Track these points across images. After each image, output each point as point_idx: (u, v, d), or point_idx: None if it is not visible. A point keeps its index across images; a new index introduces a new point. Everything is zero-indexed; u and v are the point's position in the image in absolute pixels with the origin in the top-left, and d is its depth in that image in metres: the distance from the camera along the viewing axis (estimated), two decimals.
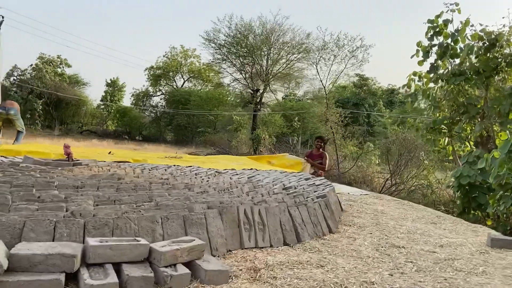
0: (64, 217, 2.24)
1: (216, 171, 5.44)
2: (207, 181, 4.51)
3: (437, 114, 9.01)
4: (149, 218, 2.36)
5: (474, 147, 8.72)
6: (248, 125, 27.20)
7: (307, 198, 3.92)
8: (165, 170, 5.22)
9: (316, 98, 28.00)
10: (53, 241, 2.07)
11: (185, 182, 4.19)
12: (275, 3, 73.13)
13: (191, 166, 5.90)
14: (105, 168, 4.68)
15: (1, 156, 5.42)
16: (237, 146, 23.39)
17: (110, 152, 7.35)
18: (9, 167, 4.14)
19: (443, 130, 8.81)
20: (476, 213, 7.04)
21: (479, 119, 8.28)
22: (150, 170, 5.05)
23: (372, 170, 13.64)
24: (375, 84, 44.06)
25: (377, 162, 14.67)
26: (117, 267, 1.92)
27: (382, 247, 3.26)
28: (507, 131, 8.09)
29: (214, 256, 2.48)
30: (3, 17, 20.99)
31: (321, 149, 7.58)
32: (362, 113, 33.78)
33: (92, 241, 2.01)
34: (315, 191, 4.37)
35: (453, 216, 8.10)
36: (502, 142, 5.55)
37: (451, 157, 9.26)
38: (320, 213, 3.62)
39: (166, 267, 2.01)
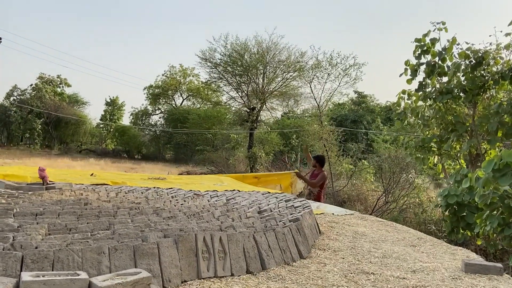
0: (3, 249, 2.16)
1: (194, 193, 5.36)
2: (181, 204, 4.42)
3: (427, 132, 8.95)
4: (95, 249, 2.27)
5: (464, 166, 8.63)
6: (245, 143, 27.18)
7: (279, 222, 3.83)
8: (142, 193, 5.14)
9: (314, 115, 28.03)
10: None
11: (157, 206, 4.11)
12: (271, 22, 74.07)
13: (171, 188, 5.82)
14: (78, 192, 4.61)
15: None
16: (234, 164, 23.31)
17: (92, 174, 7.29)
18: None
19: (432, 148, 8.74)
20: (465, 233, 6.90)
21: (468, 137, 8.22)
22: (126, 194, 4.97)
23: (366, 188, 13.52)
24: (373, 101, 44.21)
25: (372, 180, 14.56)
26: None
27: (351, 273, 3.16)
28: (496, 149, 8.03)
29: None
30: (1, 38, 21.33)
31: (321, 169, 7.58)
32: (357, 130, 33.78)
33: (26, 276, 1.93)
34: (291, 214, 4.28)
35: (444, 235, 7.97)
36: (486, 161, 5.47)
37: (441, 175, 9.16)
38: (290, 238, 3.52)
39: None
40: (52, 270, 2.11)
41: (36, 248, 2.22)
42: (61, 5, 74.40)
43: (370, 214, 8.93)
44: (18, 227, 2.74)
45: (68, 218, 3.16)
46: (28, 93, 42.06)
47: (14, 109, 40.87)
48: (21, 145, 42.58)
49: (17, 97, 42.37)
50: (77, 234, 2.69)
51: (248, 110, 27.71)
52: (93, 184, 5.85)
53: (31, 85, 42.16)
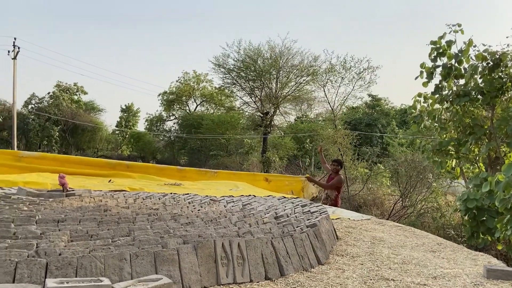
0: (28, 256, 2.21)
1: (210, 199, 5.39)
2: (198, 210, 4.45)
3: (444, 136, 8.83)
4: (117, 256, 2.31)
5: (483, 169, 8.49)
6: (259, 148, 27.20)
7: (296, 227, 3.82)
8: (159, 199, 5.19)
9: (328, 119, 27.93)
10: (13, 282, 2.03)
11: (174, 212, 4.14)
12: (284, 27, 74.18)
13: (187, 194, 5.86)
14: (97, 199, 4.68)
15: None
16: (248, 169, 23.33)
17: (110, 180, 7.39)
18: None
19: (450, 152, 8.61)
20: (485, 238, 6.78)
21: (486, 140, 8.08)
22: (143, 200, 5.03)
23: (382, 193, 13.38)
24: (387, 104, 43.81)
25: (388, 184, 14.40)
26: None
27: (370, 279, 3.14)
28: None
29: None
30: (19, 48, 21.88)
31: (338, 172, 7.61)
32: (372, 134, 33.49)
33: (50, 283, 1.97)
34: (308, 220, 4.26)
35: (463, 240, 7.84)
36: (506, 165, 5.37)
37: (460, 179, 9.02)
38: (308, 244, 3.51)
39: None
40: (76, 277, 2.15)
41: (60, 255, 2.26)
42: (77, 14, 75.84)
43: (387, 219, 8.84)
44: (41, 234, 2.79)
45: (89, 224, 3.21)
46: (45, 101, 42.91)
47: (32, 117, 41.74)
48: (39, 152, 43.38)
49: (35, 105, 43.27)
50: (98, 240, 2.73)
51: (262, 115, 27.75)
52: (111, 191, 5.93)
53: (49, 93, 43.03)
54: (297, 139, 31.65)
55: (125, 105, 48.73)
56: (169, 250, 2.50)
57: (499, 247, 6.76)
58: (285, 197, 6.08)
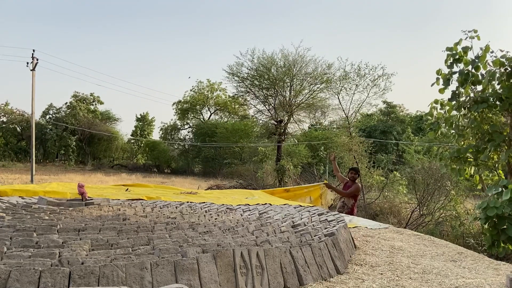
0: (51, 265, 2.25)
1: (227, 208, 5.40)
2: (215, 219, 4.46)
3: (462, 143, 8.69)
4: (138, 265, 2.33)
5: (503, 176, 8.31)
6: (273, 156, 27.16)
7: (314, 236, 3.80)
8: (176, 208, 5.22)
9: (342, 127, 27.81)
10: None
11: (192, 221, 4.16)
12: (297, 35, 74.35)
13: (204, 203, 5.88)
14: (116, 208, 4.73)
15: (19, 196, 5.59)
16: (262, 177, 23.31)
17: (127, 189, 7.47)
18: (21, 209, 4.26)
19: (468, 159, 8.46)
20: (506, 246, 6.62)
21: (506, 147, 7.93)
22: (161, 208, 5.06)
23: (399, 201, 13.20)
24: (402, 111, 43.41)
25: (405, 192, 14.20)
26: None
27: None
28: None
29: None
30: (37, 59, 22.44)
31: (356, 181, 7.60)
32: (387, 141, 33.17)
33: None
34: (325, 228, 4.24)
35: (484, 249, 7.67)
36: None
37: (479, 187, 8.84)
38: (327, 253, 3.49)
39: None
40: (98, 285, 2.17)
41: (83, 263, 2.29)
42: (94, 26, 77.42)
43: (405, 228, 8.71)
44: (62, 243, 2.84)
45: (109, 233, 3.25)
46: (63, 111, 43.77)
47: (50, 126, 42.57)
48: (57, 161, 44.17)
49: (53, 115, 44.16)
50: (118, 249, 2.76)
51: (276, 123, 27.75)
52: (129, 199, 5.99)
53: (66, 103, 43.90)
54: (311, 147, 31.54)
55: (140, 114, 49.43)
56: (189, 259, 2.51)
57: None
58: (301, 206, 6.05)
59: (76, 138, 42.86)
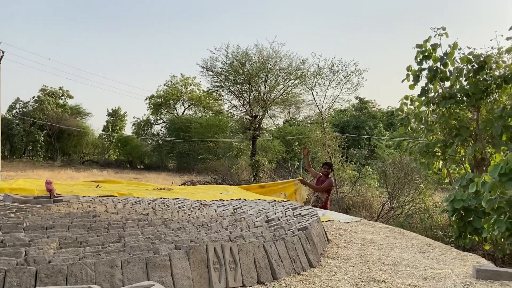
0: (17, 264, 2.17)
1: (201, 203, 5.36)
2: (189, 215, 4.42)
3: (430, 137, 8.93)
4: (108, 262, 2.28)
5: (470, 170, 8.60)
6: (248, 151, 27.18)
7: (288, 230, 3.82)
8: (149, 204, 5.14)
9: (316, 122, 28.09)
10: None
11: (165, 217, 4.11)
12: (271, 31, 74.50)
13: (177, 199, 5.82)
14: (85, 205, 4.62)
15: None
16: (237, 172, 23.29)
17: (98, 186, 7.30)
18: None
19: (437, 153, 8.71)
20: (472, 238, 6.86)
21: (472, 141, 8.20)
22: (133, 205, 4.97)
23: (371, 195, 13.47)
24: (374, 107, 44.26)
25: (376, 185, 14.50)
26: None
27: (362, 281, 3.15)
28: (501, 153, 8.01)
29: None
30: (3, 52, 21.53)
31: (329, 175, 7.69)
32: (360, 136, 33.77)
33: None
34: (299, 222, 4.27)
35: (451, 240, 7.92)
36: (492, 166, 5.46)
37: (447, 180, 9.12)
38: (300, 247, 3.51)
39: None
40: (66, 284, 2.11)
41: (50, 262, 2.22)
42: (62, 18, 75.03)
43: (376, 221, 8.90)
44: (29, 241, 2.75)
45: (78, 231, 3.17)
46: (30, 105, 42.35)
47: (17, 121, 41.10)
48: (24, 158, 42.73)
49: (20, 109, 42.65)
50: (88, 247, 2.69)
51: (250, 118, 27.75)
52: (99, 196, 5.86)
53: (34, 97, 42.47)
54: (286, 142, 31.73)
55: (112, 109, 48.41)
56: (160, 256, 2.48)
57: (486, 247, 6.85)
58: (275, 200, 6.08)
59: (45, 133, 41.55)
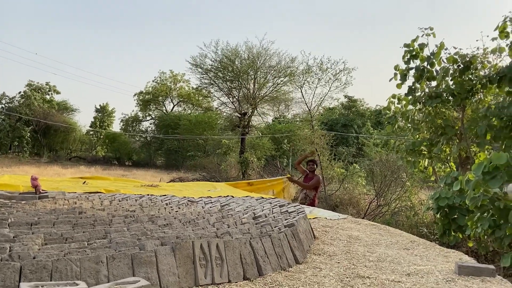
0: (1, 260, 2.16)
1: (189, 200, 5.36)
2: (176, 212, 4.43)
3: (417, 136, 9.05)
4: (93, 258, 2.28)
5: (454, 168, 8.74)
6: (237, 148, 27.18)
7: (274, 227, 3.85)
8: (136, 201, 5.13)
9: (305, 120, 28.22)
10: None
11: (152, 214, 4.11)
12: (261, 28, 74.48)
13: (165, 195, 5.82)
14: (72, 201, 4.59)
15: None
16: (226, 169, 23.29)
17: (84, 182, 7.25)
18: None
19: (423, 152, 8.84)
20: (456, 235, 6.98)
21: (457, 140, 8.33)
22: (120, 201, 4.96)
23: (358, 192, 13.61)
24: (363, 105, 44.57)
25: (364, 183, 14.65)
26: None
27: (347, 277, 3.19)
28: (485, 151, 8.16)
29: None
30: None
31: (315, 172, 7.76)
32: (348, 134, 34.01)
33: (25, 287, 1.93)
34: (285, 219, 4.30)
35: (436, 238, 8.05)
36: (476, 164, 5.56)
37: (432, 178, 9.26)
38: (286, 244, 3.55)
39: None
40: (51, 280, 2.11)
41: (34, 258, 2.21)
42: (50, 12, 73.95)
43: (363, 218, 9.00)
44: (14, 237, 2.73)
45: (63, 227, 3.15)
46: (16, 100, 41.67)
47: (3, 117, 40.44)
48: (10, 154, 42.07)
49: (5, 105, 41.96)
50: (73, 243, 2.68)
51: (239, 116, 27.74)
52: (86, 192, 5.82)
53: (20, 92, 41.78)
54: (274, 140, 31.79)
55: (100, 105, 47.83)
56: (146, 252, 2.48)
57: (470, 244, 6.98)
58: (263, 198, 6.11)
59: (31, 129, 40.95)
